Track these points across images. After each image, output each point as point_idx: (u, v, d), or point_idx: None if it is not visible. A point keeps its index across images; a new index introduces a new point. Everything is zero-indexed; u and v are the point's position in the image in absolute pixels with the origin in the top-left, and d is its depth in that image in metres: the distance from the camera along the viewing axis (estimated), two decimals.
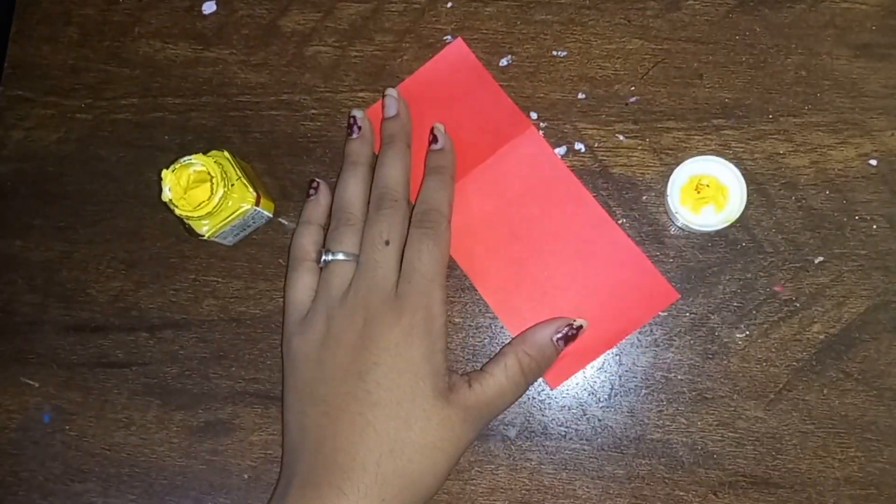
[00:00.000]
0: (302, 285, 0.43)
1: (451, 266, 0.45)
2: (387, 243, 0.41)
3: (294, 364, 0.41)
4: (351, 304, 0.40)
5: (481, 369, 0.41)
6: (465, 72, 0.47)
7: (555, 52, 0.47)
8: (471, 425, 0.40)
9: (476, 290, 0.45)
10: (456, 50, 0.47)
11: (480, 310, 0.45)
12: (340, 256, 0.42)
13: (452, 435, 0.39)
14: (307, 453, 0.39)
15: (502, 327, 0.45)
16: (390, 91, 0.46)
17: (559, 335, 0.42)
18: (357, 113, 0.46)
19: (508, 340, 0.44)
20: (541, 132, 0.46)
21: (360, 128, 0.45)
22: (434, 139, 0.45)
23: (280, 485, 0.40)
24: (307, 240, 0.44)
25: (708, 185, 0.43)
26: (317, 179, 0.46)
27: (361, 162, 0.45)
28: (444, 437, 0.39)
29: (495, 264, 0.45)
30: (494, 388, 0.40)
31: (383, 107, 0.46)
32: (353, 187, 0.44)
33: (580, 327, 0.43)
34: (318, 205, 0.45)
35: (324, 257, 0.42)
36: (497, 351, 0.44)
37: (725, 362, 0.43)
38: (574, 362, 0.44)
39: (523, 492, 0.43)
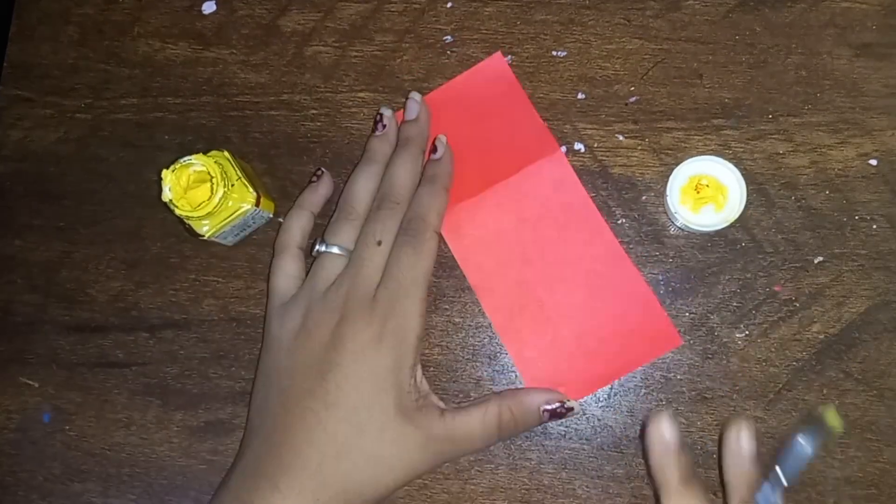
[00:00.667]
0: (283, 273, 0.43)
1: (451, 266, 0.45)
2: (379, 244, 0.41)
3: (268, 348, 0.42)
4: (330, 299, 0.40)
5: (460, 406, 0.41)
6: (500, 86, 0.46)
7: (554, 53, 0.47)
8: (429, 455, 0.39)
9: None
10: (494, 63, 0.47)
11: (481, 310, 0.45)
12: (335, 250, 0.42)
13: (406, 456, 0.38)
14: (258, 439, 0.39)
15: None
16: (414, 95, 0.46)
17: (548, 408, 0.41)
18: (386, 111, 0.45)
19: (505, 344, 0.44)
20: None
21: (384, 126, 0.45)
22: (434, 149, 0.44)
23: (232, 465, 0.41)
24: (295, 224, 0.44)
25: (708, 185, 0.43)
26: (322, 168, 0.46)
27: (377, 160, 0.44)
28: (394, 455, 0.38)
29: (503, 282, 0.44)
30: (465, 428, 0.40)
31: (405, 109, 0.46)
32: (363, 183, 0.43)
33: (571, 409, 0.41)
34: (315, 192, 0.45)
35: (317, 247, 0.42)
36: (496, 350, 0.44)
37: (725, 362, 0.43)
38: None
39: (523, 491, 0.43)
